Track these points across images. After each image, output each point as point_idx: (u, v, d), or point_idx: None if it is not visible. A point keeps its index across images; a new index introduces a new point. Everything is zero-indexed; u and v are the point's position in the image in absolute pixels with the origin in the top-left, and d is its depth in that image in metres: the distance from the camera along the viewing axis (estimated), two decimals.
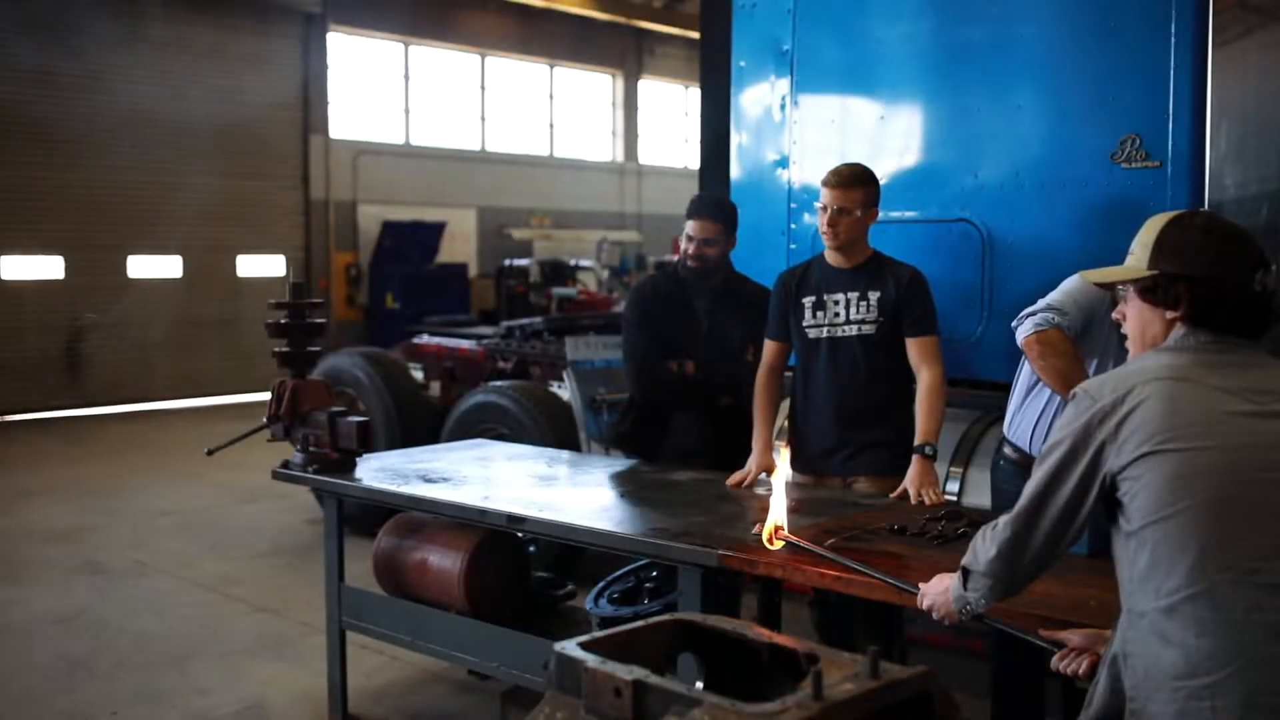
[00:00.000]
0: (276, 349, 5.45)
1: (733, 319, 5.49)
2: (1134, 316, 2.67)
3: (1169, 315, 2.57)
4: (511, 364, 9.47)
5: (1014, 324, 4.41)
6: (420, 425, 9.08)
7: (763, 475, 4.86)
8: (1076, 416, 2.52)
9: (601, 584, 5.28)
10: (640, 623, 2.71)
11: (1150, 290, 2.59)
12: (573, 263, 21.88)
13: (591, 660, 2.41)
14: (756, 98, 6.40)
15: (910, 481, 4.60)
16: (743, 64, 6.46)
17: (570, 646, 2.50)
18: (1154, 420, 2.41)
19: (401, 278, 20.26)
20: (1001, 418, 5.03)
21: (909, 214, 5.77)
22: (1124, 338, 2.73)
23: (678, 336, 5.51)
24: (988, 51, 5.52)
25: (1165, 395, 2.43)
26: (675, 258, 5.73)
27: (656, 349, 5.53)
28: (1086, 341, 4.31)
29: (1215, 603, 2.33)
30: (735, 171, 6.52)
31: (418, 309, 18.22)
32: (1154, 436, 2.40)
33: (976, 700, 5.24)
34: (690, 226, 5.49)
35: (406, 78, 22.58)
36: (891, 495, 4.65)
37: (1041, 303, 4.35)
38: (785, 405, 5.26)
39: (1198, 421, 2.40)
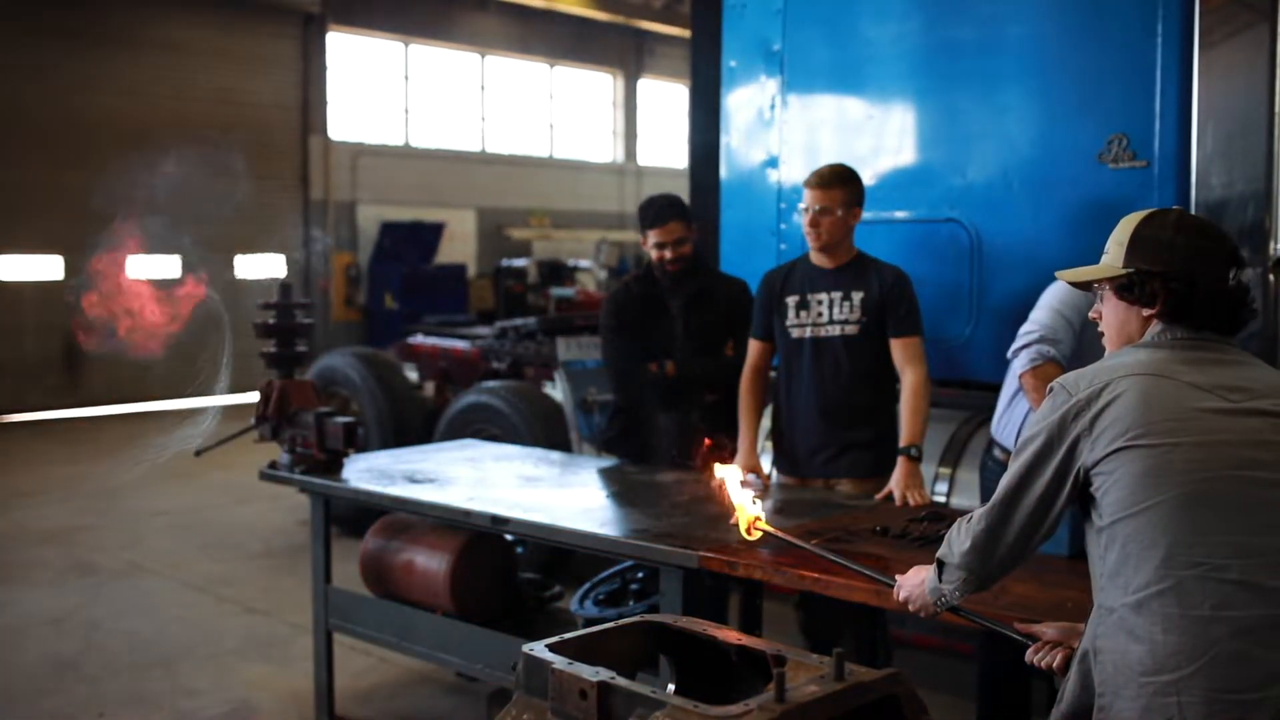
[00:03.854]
0: (264, 350, 5.45)
1: (709, 315, 5.48)
2: (1110, 315, 2.66)
3: (1145, 313, 2.57)
4: (505, 364, 9.46)
5: (1010, 354, 4.44)
6: (413, 426, 9.07)
7: (750, 475, 4.85)
8: (1052, 410, 2.51)
9: (587, 585, 5.27)
10: (610, 624, 2.71)
11: (1126, 288, 2.59)
12: (571, 263, 21.87)
13: (558, 662, 2.41)
14: (746, 98, 6.39)
15: (895, 483, 4.60)
16: (733, 64, 6.45)
17: (538, 648, 2.50)
18: (1128, 416, 2.41)
19: (400, 278, 20.24)
20: (989, 418, 5.03)
21: (898, 214, 5.77)
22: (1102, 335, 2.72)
23: (655, 338, 5.50)
24: (976, 51, 5.51)
25: (1140, 391, 2.42)
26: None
27: (635, 352, 5.52)
28: (1080, 344, 4.31)
29: (1182, 599, 2.32)
30: (725, 172, 6.51)
31: (416, 309, 18.22)
32: (1127, 432, 2.40)
33: (963, 702, 5.24)
34: (657, 234, 5.43)
35: (406, 78, 22.57)
36: (876, 497, 4.65)
37: (1034, 328, 4.35)
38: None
39: (1171, 418, 2.40)
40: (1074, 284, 2.77)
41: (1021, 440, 2.58)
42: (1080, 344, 4.30)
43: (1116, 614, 2.41)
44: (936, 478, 5.65)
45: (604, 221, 25.59)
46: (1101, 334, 2.72)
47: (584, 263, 22.35)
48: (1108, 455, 2.41)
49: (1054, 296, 4.39)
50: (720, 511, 4.35)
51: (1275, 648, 2.30)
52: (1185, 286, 2.51)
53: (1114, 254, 2.61)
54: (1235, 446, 2.39)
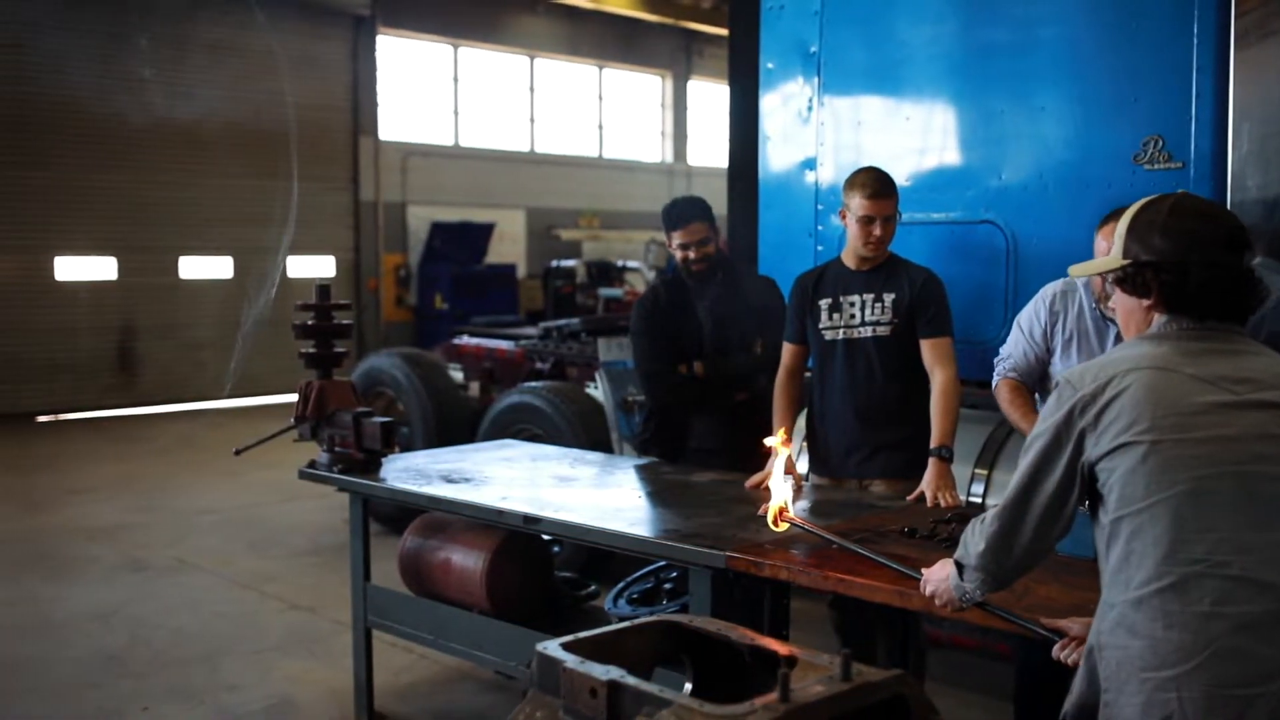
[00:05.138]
0: (303, 350, 5.52)
1: (735, 314, 5.51)
2: (1120, 307, 2.65)
3: (1145, 304, 2.55)
4: (549, 365, 9.52)
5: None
6: (458, 426, 9.13)
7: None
8: (1059, 406, 2.50)
9: (621, 584, 5.30)
10: (625, 624, 2.74)
11: (1123, 280, 2.57)
12: (620, 264, 21.87)
13: (571, 660, 2.44)
14: (784, 99, 6.40)
15: (927, 484, 4.60)
16: (771, 65, 6.47)
17: (551, 646, 2.54)
18: (1131, 411, 2.39)
19: (450, 278, 20.35)
20: None
21: (935, 215, 5.76)
22: (1097, 323, 2.70)
23: (682, 340, 5.53)
24: (1012, 53, 5.50)
25: (1143, 385, 2.41)
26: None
27: (664, 355, 5.56)
28: (1057, 338, 4.52)
29: (1183, 595, 2.32)
30: (762, 173, 6.53)
31: (466, 309, 18.32)
32: (1131, 427, 2.38)
33: (1000, 703, 5.24)
34: (680, 234, 5.52)
35: (455, 79, 22.69)
36: (908, 498, 4.65)
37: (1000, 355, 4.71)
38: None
39: (1174, 412, 2.38)
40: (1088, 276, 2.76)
41: (1029, 437, 2.56)
42: (1048, 340, 4.52)
43: (1117, 610, 2.41)
44: (972, 479, 5.63)
45: (653, 222, 25.30)
46: (1097, 322, 2.72)
47: (633, 263, 22.34)
48: (1112, 451, 2.40)
49: (1023, 314, 4.69)
50: (751, 512, 4.38)
51: (1275, 643, 2.29)
52: (1176, 276, 2.47)
53: (1117, 245, 2.59)
54: (1239, 441, 2.37)
